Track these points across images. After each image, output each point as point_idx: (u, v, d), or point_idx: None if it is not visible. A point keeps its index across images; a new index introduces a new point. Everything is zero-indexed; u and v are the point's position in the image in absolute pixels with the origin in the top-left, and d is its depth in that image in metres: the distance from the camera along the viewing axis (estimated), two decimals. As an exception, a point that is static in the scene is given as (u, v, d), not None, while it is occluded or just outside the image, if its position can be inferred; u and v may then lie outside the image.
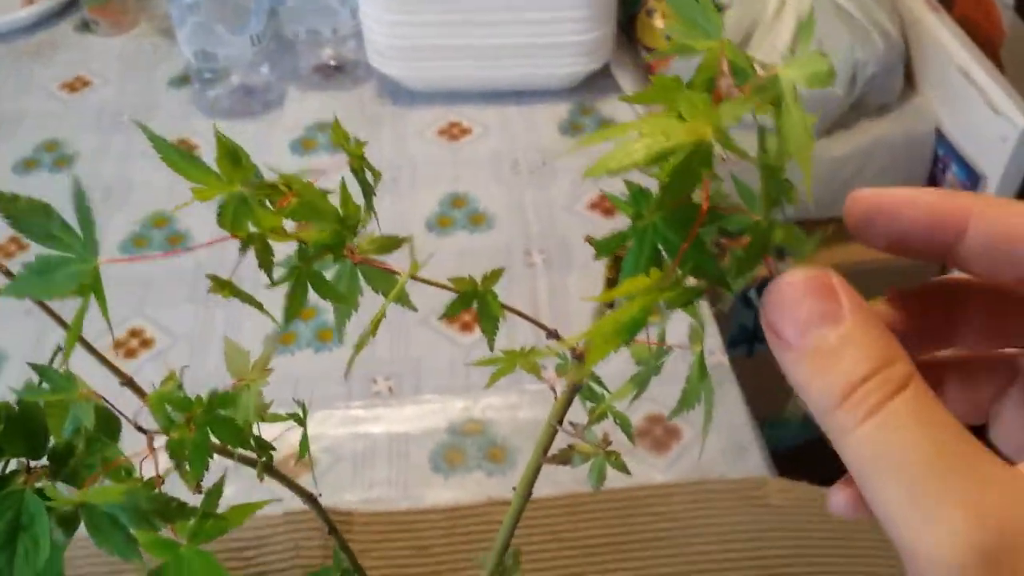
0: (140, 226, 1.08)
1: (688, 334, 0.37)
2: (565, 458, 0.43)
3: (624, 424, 0.43)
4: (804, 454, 1.17)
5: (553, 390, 0.41)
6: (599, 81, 1.25)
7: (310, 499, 0.46)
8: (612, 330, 0.28)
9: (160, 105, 1.22)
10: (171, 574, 0.36)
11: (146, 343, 0.96)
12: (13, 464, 0.40)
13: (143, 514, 0.37)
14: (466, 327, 0.99)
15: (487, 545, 0.84)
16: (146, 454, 0.38)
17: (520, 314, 0.39)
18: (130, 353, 0.95)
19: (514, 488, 0.45)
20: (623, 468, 0.43)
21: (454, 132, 1.21)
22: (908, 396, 0.27)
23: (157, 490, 0.37)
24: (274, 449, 0.42)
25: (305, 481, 0.50)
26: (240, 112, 1.21)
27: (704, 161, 0.27)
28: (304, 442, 0.44)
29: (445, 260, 1.06)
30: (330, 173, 0.41)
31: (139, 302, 1.00)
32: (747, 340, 1.42)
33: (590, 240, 0.31)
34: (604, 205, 1.10)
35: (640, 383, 0.37)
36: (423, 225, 1.10)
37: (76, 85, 1.26)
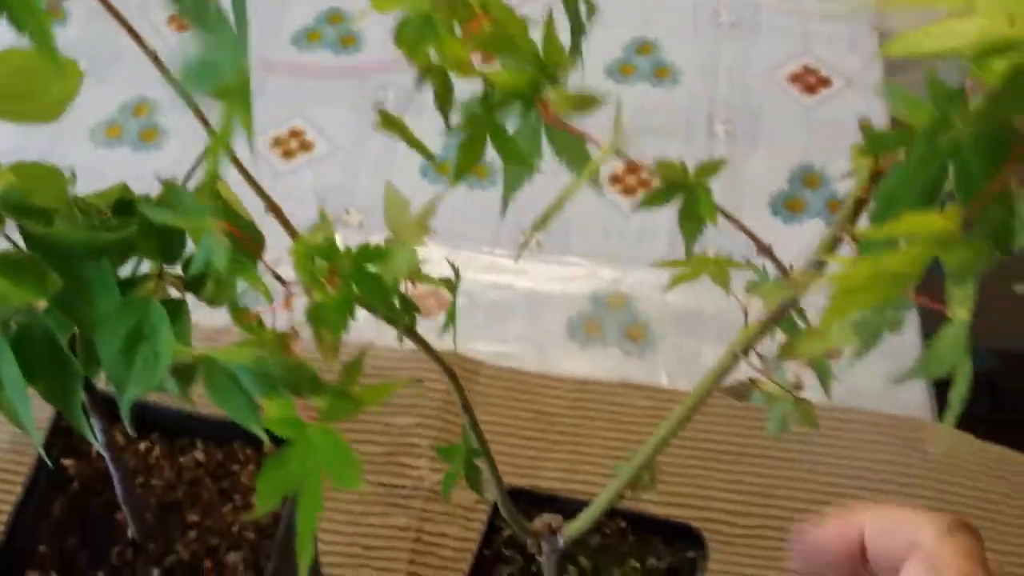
0: (314, 20, 0.99)
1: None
2: (742, 393, 0.39)
3: (823, 372, 0.37)
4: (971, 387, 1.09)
5: (744, 313, 0.35)
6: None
7: (450, 374, 0.40)
8: (869, 282, 0.21)
9: None
10: (296, 456, 0.30)
11: (305, 146, 0.93)
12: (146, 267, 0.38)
13: (271, 381, 0.33)
14: (629, 190, 0.94)
15: (612, 424, 0.78)
16: (279, 308, 0.33)
17: (732, 219, 0.31)
18: (288, 154, 0.93)
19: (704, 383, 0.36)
20: (813, 422, 0.37)
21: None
22: None
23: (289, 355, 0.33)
24: (418, 312, 0.37)
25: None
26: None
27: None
28: (452, 312, 0.38)
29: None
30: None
31: (304, 100, 0.94)
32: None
33: (864, 126, 0.24)
34: (808, 80, 1.01)
35: (870, 336, 0.29)
36: (602, 70, 1.00)
37: None
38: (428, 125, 0.32)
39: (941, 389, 0.80)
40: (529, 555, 0.54)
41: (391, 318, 0.34)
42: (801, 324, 0.34)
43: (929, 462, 0.77)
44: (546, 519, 0.49)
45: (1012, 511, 0.76)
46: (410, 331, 0.36)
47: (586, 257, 0.90)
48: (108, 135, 0.96)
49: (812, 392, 0.38)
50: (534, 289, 0.88)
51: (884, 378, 0.82)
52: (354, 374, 0.33)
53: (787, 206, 0.92)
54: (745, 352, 0.33)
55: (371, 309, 0.33)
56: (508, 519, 0.48)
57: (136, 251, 0.39)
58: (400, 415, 0.78)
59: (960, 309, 0.25)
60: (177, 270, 0.40)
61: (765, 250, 0.32)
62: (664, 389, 0.82)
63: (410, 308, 0.35)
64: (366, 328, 0.82)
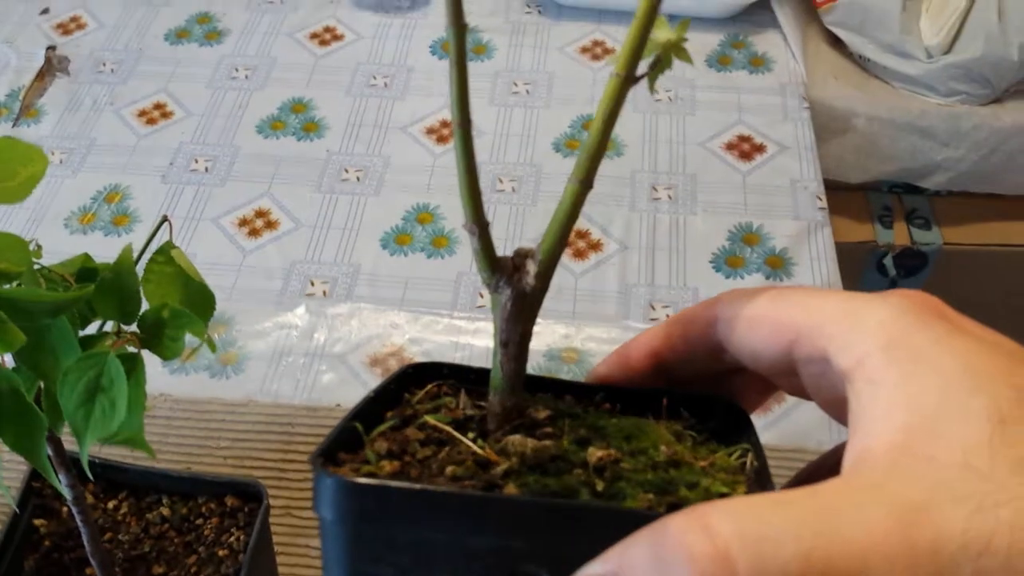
0: (278, 109, 1.09)
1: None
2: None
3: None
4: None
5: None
6: (755, 14, 1.23)
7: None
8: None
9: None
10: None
11: (271, 224, 0.98)
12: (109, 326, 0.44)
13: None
14: (579, 254, 1.00)
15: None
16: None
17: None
18: (254, 233, 0.98)
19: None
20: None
21: (597, 52, 1.17)
22: None
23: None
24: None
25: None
26: (387, 6, 1.18)
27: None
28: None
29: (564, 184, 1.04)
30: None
31: (268, 183, 1.02)
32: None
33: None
34: (742, 147, 1.10)
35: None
36: (549, 144, 1.10)
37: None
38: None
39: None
40: None
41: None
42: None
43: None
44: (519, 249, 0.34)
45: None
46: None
47: (540, 316, 0.93)
48: (82, 222, 1.01)
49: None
50: (491, 347, 0.91)
51: (826, 418, 0.85)
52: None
53: (728, 263, 0.99)
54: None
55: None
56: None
57: (96, 312, 0.43)
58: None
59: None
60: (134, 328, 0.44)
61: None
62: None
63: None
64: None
